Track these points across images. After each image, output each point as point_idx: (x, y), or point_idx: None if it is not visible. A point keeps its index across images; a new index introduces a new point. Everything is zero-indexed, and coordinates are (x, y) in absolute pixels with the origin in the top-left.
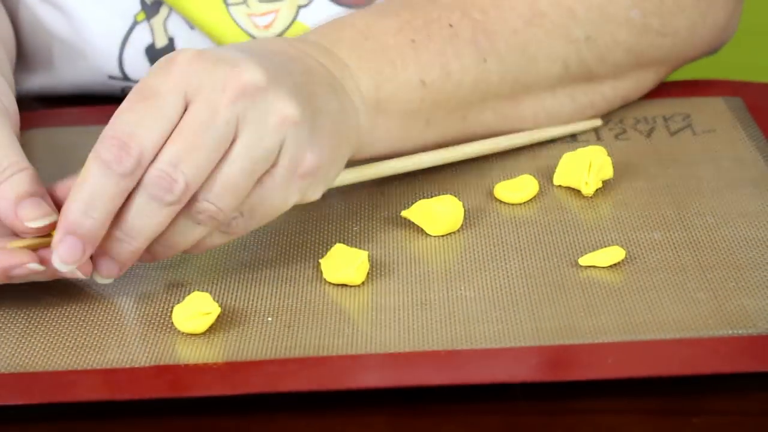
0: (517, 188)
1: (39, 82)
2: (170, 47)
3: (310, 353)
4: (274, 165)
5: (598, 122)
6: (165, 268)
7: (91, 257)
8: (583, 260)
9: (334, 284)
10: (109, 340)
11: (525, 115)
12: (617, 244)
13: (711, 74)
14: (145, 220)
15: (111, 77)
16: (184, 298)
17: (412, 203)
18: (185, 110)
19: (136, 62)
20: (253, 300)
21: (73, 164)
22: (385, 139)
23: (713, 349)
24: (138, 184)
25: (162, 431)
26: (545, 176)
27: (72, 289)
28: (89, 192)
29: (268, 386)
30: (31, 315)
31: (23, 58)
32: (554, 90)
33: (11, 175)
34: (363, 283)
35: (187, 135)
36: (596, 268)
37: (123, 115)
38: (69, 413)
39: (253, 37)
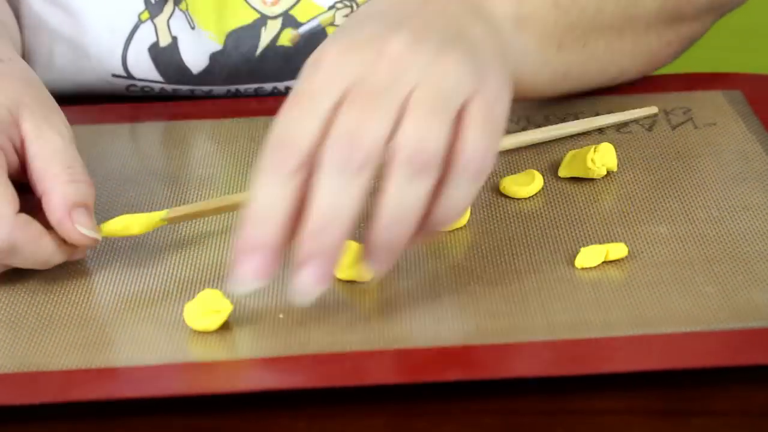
0: (522, 183)
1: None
2: (174, 46)
3: (324, 350)
4: (465, 102)
5: (654, 110)
6: (176, 266)
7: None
8: (579, 262)
9: (343, 281)
10: (120, 339)
11: (626, 49)
12: (623, 238)
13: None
14: (339, 200)
15: (115, 75)
16: (195, 295)
17: None
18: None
19: (139, 61)
20: (263, 297)
21: None
22: (522, 61)
23: (725, 342)
24: (319, 165)
25: (162, 431)
26: (549, 171)
27: (82, 287)
28: (258, 204)
29: (286, 383)
30: (41, 314)
31: (25, 57)
32: (648, 27)
33: (79, 181)
34: (372, 279)
35: (354, 105)
36: (604, 262)
37: (280, 121)
38: (68, 412)
39: (261, 13)
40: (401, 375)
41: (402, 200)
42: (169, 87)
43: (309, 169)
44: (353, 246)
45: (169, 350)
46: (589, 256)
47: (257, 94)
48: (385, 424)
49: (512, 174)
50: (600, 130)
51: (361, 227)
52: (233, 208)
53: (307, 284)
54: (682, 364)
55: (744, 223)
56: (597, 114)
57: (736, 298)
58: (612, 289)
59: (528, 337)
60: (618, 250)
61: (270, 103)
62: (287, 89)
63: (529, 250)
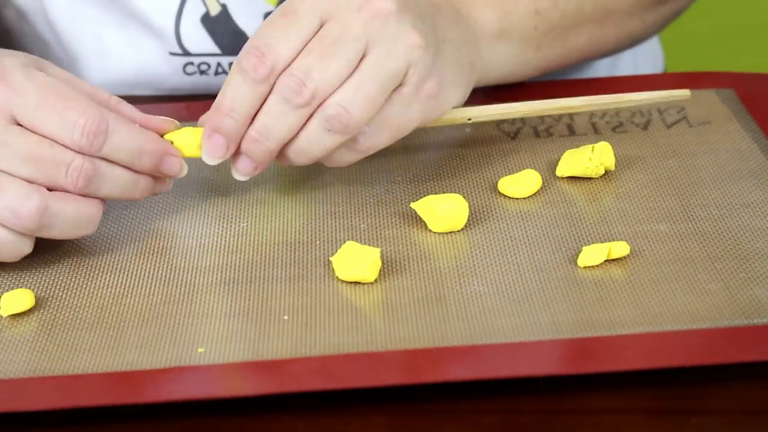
0: (521, 183)
1: (96, 73)
2: (225, 13)
3: (330, 351)
4: (401, 85)
5: (687, 93)
6: (179, 270)
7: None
8: (581, 260)
9: (346, 282)
10: (125, 342)
11: (609, 37)
12: (624, 237)
13: (703, 68)
14: (277, 121)
15: (172, 54)
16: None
17: (417, 198)
18: (320, 28)
19: (193, 34)
20: (267, 299)
21: None
22: (502, 64)
23: (729, 339)
24: (272, 89)
25: (162, 431)
26: (547, 170)
27: (83, 290)
28: (230, 96)
29: (292, 386)
30: (43, 318)
31: (70, 53)
32: (630, 15)
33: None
34: (376, 280)
35: (319, 47)
36: (606, 261)
37: (263, 29)
38: (68, 414)
39: None
40: (406, 376)
41: (312, 144)
42: (225, 61)
43: (274, 80)
44: (353, 247)
45: (175, 354)
46: (592, 255)
47: None
48: (386, 424)
49: (511, 174)
50: (596, 130)
51: (359, 224)
52: None
53: (240, 170)
54: (688, 361)
55: (744, 221)
56: (592, 114)
57: (740, 295)
58: (616, 288)
59: (534, 336)
60: (620, 248)
61: None
62: None
63: (530, 250)
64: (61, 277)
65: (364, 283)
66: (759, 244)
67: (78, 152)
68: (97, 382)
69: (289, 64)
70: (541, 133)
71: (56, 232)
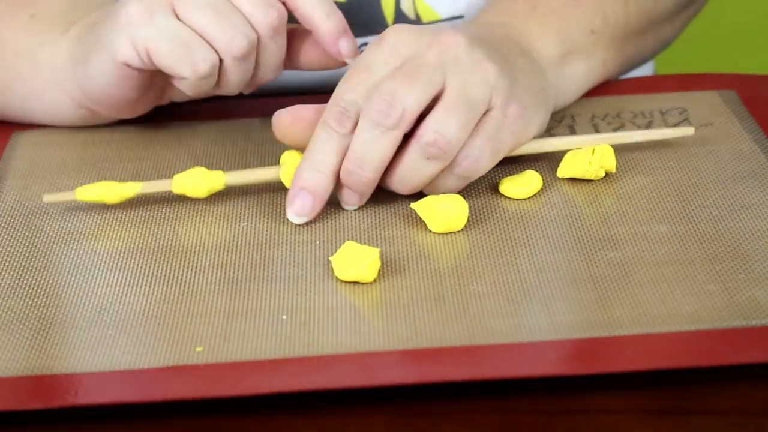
0: (521, 183)
1: None
2: None
3: (328, 351)
4: (489, 109)
5: (690, 131)
6: (178, 269)
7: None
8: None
9: (346, 282)
10: (124, 341)
11: (648, 46)
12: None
13: (704, 69)
14: (369, 147)
15: None
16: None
17: (418, 198)
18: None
19: None
20: (266, 298)
21: None
22: (572, 86)
23: (728, 341)
24: (360, 117)
25: (162, 431)
26: (548, 171)
27: (83, 288)
28: (316, 150)
29: (290, 385)
30: (42, 316)
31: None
32: (664, 21)
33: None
34: (375, 280)
35: (401, 73)
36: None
37: (341, 87)
38: (66, 413)
39: None
40: (405, 376)
41: (413, 172)
42: None
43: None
44: (353, 247)
45: (173, 353)
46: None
47: None
48: (386, 424)
49: (511, 175)
50: (598, 132)
51: (359, 224)
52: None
53: (344, 202)
54: (687, 362)
55: (744, 222)
56: (593, 116)
57: (739, 296)
58: (614, 289)
59: (533, 337)
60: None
61: None
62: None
63: (530, 251)
64: (60, 276)
65: (363, 283)
66: (759, 246)
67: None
68: (96, 381)
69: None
70: (543, 134)
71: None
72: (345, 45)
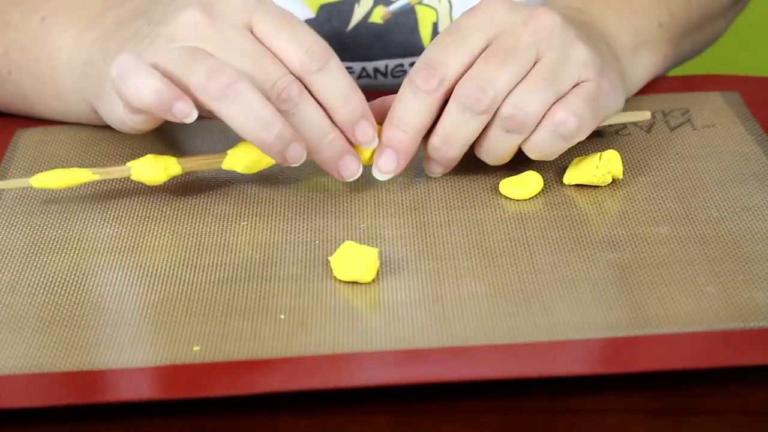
0: (521, 184)
1: None
2: None
3: (325, 351)
4: (578, 84)
5: (647, 115)
6: (177, 268)
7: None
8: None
9: (344, 281)
10: (121, 339)
11: (703, 40)
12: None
13: (707, 71)
14: (459, 129)
15: None
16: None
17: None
18: (488, 46)
19: None
20: (264, 298)
21: None
22: (640, 76)
23: (726, 342)
24: (452, 97)
25: (162, 431)
26: (554, 177)
27: (81, 288)
28: (400, 109)
29: (286, 385)
30: (42, 315)
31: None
32: (719, 17)
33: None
34: (373, 280)
35: (495, 56)
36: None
37: (431, 47)
38: (65, 412)
39: None
40: (403, 376)
41: (496, 144)
42: None
43: (446, 92)
44: (351, 247)
45: (171, 351)
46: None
47: None
48: (386, 424)
49: (511, 175)
50: (598, 133)
51: (359, 224)
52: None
53: (430, 172)
54: (685, 364)
55: (744, 224)
56: None
57: (738, 298)
58: (614, 290)
59: (530, 337)
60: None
61: None
62: (375, 71)
63: (529, 251)
64: (59, 274)
65: (361, 283)
66: (759, 248)
67: (293, 74)
68: (94, 380)
69: (459, 77)
70: None
71: (236, 112)
72: (360, 132)
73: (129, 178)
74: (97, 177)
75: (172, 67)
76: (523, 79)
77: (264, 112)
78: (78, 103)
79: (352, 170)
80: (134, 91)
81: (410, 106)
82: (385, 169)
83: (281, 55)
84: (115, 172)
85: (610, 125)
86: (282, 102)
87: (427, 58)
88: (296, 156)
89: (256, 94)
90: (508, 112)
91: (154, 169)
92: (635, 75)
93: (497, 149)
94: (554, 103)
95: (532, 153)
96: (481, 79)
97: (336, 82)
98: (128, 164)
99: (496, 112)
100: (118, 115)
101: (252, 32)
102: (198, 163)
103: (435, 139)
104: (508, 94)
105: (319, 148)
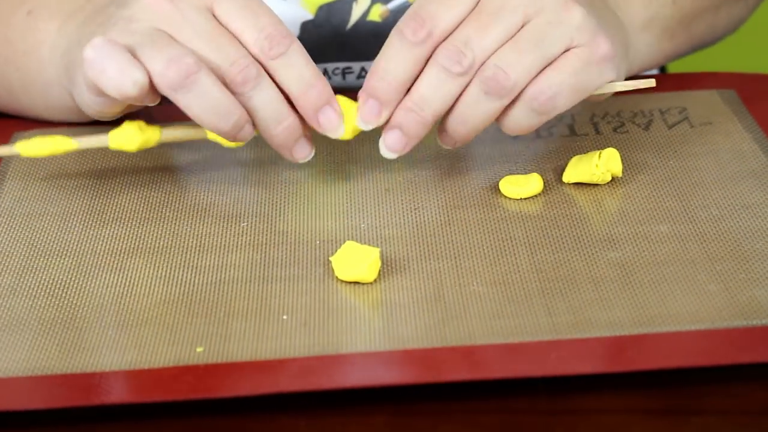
0: (522, 183)
1: None
2: None
3: (328, 351)
4: (570, 48)
5: (652, 82)
6: (179, 269)
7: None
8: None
9: (346, 282)
10: (125, 341)
11: (720, 24)
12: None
13: (703, 69)
14: (435, 90)
15: None
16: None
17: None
18: (478, 3)
19: None
20: (266, 298)
21: None
22: (645, 54)
23: (729, 340)
24: (430, 59)
25: (162, 431)
26: (553, 176)
27: (82, 290)
28: (386, 58)
29: (289, 386)
30: (42, 317)
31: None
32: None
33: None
34: (375, 280)
35: (478, 18)
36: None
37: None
38: (66, 414)
39: None
40: (405, 376)
41: (472, 108)
42: None
43: (433, 46)
44: (353, 247)
45: (176, 352)
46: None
47: (344, 79)
48: (385, 424)
49: (512, 175)
50: (597, 131)
51: (359, 224)
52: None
53: (390, 145)
54: (688, 362)
55: (744, 222)
56: (593, 115)
57: (739, 296)
58: (616, 288)
59: (532, 337)
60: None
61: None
62: None
63: (530, 250)
64: (60, 277)
65: (363, 283)
66: (759, 245)
67: (252, 56)
68: (96, 382)
69: (448, 34)
70: (542, 133)
71: (194, 102)
72: (324, 118)
73: (123, 177)
74: (77, 145)
75: (132, 51)
76: (509, 40)
77: (222, 102)
78: (62, 96)
79: (305, 152)
80: (111, 81)
81: (395, 55)
82: (369, 118)
83: (240, 38)
84: (96, 140)
85: (609, 93)
86: (239, 84)
87: (419, 8)
88: (248, 135)
89: (214, 85)
90: (489, 72)
91: (132, 133)
92: (639, 52)
93: (474, 115)
94: (542, 70)
95: (505, 126)
96: (461, 41)
97: (297, 68)
98: (109, 133)
99: (478, 74)
100: (85, 99)
101: (213, 15)
102: (181, 133)
103: (407, 101)
104: (492, 55)
105: (274, 132)
